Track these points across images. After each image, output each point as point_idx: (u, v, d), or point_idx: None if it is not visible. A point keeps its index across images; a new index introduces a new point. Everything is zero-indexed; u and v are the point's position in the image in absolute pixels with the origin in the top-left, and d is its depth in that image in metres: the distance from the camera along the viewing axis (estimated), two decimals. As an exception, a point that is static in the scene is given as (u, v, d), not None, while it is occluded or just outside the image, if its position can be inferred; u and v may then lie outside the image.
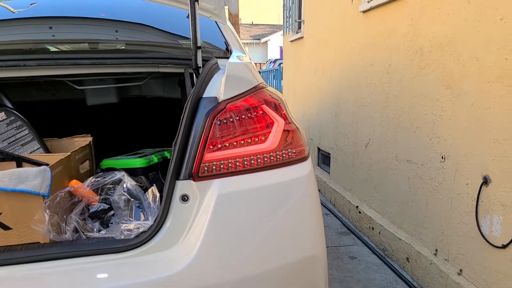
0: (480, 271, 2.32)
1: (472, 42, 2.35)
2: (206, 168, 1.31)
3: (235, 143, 1.35)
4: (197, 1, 1.55)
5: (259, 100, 1.40)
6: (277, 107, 1.43)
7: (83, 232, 1.38)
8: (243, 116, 1.36)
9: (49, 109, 2.35)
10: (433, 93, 2.73)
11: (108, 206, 1.48)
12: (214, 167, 1.32)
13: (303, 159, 1.46)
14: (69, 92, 2.16)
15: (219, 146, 1.34)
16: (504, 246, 2.14)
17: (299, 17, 5.97)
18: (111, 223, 1.43)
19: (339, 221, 4.09)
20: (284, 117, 1.44)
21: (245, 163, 1.35)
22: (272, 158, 1.39)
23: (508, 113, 2.11)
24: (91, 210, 1.48)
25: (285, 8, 6.57)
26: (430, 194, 2.79)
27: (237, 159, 1.35)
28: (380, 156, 3.49)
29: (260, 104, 1.39)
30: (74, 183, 1.48)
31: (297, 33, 6.06)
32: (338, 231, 3.86)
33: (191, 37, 1.50)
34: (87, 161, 1.75)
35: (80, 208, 1.43)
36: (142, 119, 2.54)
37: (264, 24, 40.23)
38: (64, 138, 1.83)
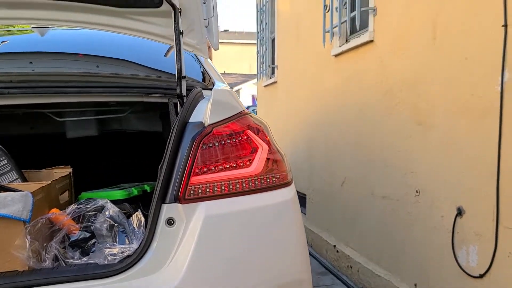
0: (459, 302, 2.34)
1: (439, 80, 2.49)
2: (192, 191, 1.32)
3: (220, 167, 1.37)
4: (182, 33, 1.62)
5: (243, 125, 1.43)
6: (261, 133, 1.47)
7: (63, 260, 1.34)
8: (229, 141, 1.39)
9: (27, 143, 2.31)
10: (404, 130, 2.84)
11: (89, 234, 1.45)
12: (200, 190, 1.33)
13: (287, 184, 1.49)
14: (48, 125, 2.15)
15: (205, 169, 1.35)
16: (481, 276, 2.18)
17: (273, 63, 6.17)
18: (93, 251, 1.40)
19: (316, 262, 4.06)
20: (268, 143, 1.48)
21: (231, 186, 1.37)
22: (256, 182, 1.41)
23: (476, 144, 2.21)
24: (72, 239, 1.44)
25: (258, 54, 6.79)
26: (406, 229, 2.84)
27: (223, 183, 1.36)
28: (356, 193, 3.54)
29: (245, 129, 1.43)
30: (55, 211, 1.45)
31: (270, 78, 6.23)
32: (317, 271, 3.82)
33: (176, 67, 1.55)
34: (67, 192, 1.72)
35: (60, 236, 1.39)
36: (121, 153, 2.53)
37: (236, 73, 41.12)
38: (43, 170, 1.80)
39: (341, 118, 3.81)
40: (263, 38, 6.56)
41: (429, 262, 2.59)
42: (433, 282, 2.56)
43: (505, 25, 2.01)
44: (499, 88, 2.06)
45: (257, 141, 1.44)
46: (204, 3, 1.88)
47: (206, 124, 1.38)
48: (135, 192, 1.95)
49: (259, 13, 6.69)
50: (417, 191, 2.72)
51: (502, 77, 2.04)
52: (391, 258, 3.02)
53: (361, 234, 3.47)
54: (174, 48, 1.60)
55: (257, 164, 1.42)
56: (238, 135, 1.42)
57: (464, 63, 2.30)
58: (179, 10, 1.69)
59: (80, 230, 1.45)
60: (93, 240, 1.44)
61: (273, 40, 6.22)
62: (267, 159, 1.45)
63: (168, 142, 1.35)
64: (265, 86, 6.56)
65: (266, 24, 6.35)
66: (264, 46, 6.50)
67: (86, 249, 1.44)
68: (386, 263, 3.08)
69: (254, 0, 7.11)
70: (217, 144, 1.38)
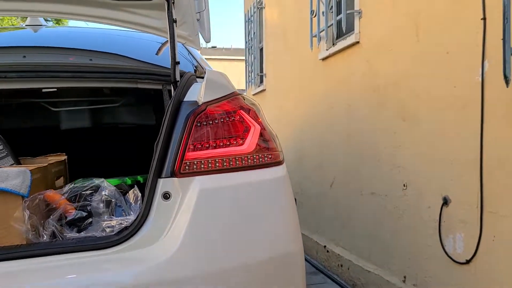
0: (447, 290, 2.39)
1: (423, 75, 2.58)
2: (187, 166, 1.36)
3: (214, 144, 1.42)
4: (175, 21, 1.68)
5: (236, 105, 1.49)
6: (253, 114, 1.52)
7: (60, 236, 1.36)
8: (222, 119, 1.44)
9: (21, 136, 2.33)
10: (391, 126, 2.92)
11: (86, 214, 1.48)
12: (195, 166, 1.37)
13: (279, 163, 1.54)
14: (43, 117, 2.18)
15: (199, 146, 1.40)
16: (468, 261, 2.23)
17: (261, 71, 6.26)
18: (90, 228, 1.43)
19: (308, 263, 4.09)
20: (260, 124, 1.53)
21: (224, 163, 1.42)
22: (249, 160, 1.46)
23: (460, 135, 2.29)
24: (69, 218, 1.47)
25: (247, 63, 6.88)
26: (395, 223, 2.89)
27: (217, 159, 1.41)
28: (345, 193, 3.59)
29: (237, 109, 1.48)
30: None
31: (259, 86, 6.32)
32: (308, 271, 3.84)
33: (170, 53, 1.60)
34: (62, 178, 1.75)
35: (57, 214, 1.42)
36: (116, 147, 2.55)
37: (224, 89, 41.18)
38: (37, 157, 1.83)
39: (330, 120, 3.88)
40: (251, 47, 6.67)
41: (418, 254, 2.65)
42: (422, 272, 2.61)
43: (484, 18, 2.11)
44: (480, 79, 2.15)
45: (249, 120, 1.49)
46: (196, -2, 1.95)
47: (200, 103, 1.43)
48: (128, 181, 1.99)
49: (247, 23, 6.80)
50: (404, 185, 2.79)
51: (482, 67, 2.13)
52: (380, 253, 3.07)
53: (351, 233, 3.51)
54: (168, 35, 1.66)
55: (250, 142, 1.47)
56: (231, 115, 1.47)
57: (446, 57, 2.40)
58: (172, 1, 1.75)
59: (76, 210, 1.48)
60: (90, 219, 1.47)
61: (261, 49, 6.32)
62: (259, 138, 1.50)
63: (163, 120, 1.40)
64: (254, 94, 6.64)
65: (254, 33, 6.46)
66: (252, 55, 6.60)
67: (83, 228, 1.46)
68: (376, 258, 3.13)
69: (242, 13, 7.23)
70: (211, 122, 1.42)
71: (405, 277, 2.78)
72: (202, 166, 1.38)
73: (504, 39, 1.88)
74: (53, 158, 1.81)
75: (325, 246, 3.94)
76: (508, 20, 1.87)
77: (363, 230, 3.31)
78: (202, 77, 1.82)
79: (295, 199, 4.91)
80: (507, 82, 1.89)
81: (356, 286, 3.33)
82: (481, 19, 2.12)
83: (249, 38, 6.76)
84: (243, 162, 1.44)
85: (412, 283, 2.70)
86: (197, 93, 1.47)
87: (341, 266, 3.59)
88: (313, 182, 4.30)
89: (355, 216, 3.43)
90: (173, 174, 1.35)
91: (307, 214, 4.50)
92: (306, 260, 4.10)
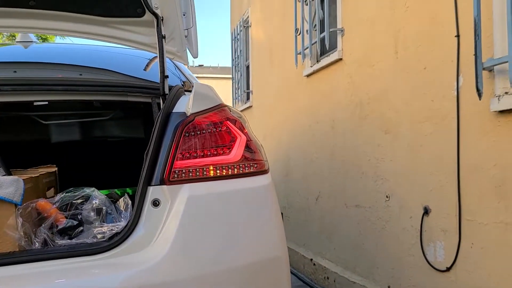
0: (430, 298, 2.45)
1: (403, 90, 2.69)
2: (176, 174, 1.42)
3: (202, 154, 1.48)
4: (164, 37, 1.75)
5: (223, 116, 1.55)
6: (239, 124, 1.59)
7: (52, 244, 1.40)
8: (209, 129, 1.51)
9: (12, 149, 2.36)
10: (374, 139, 3.01)
11: (76, 222, 1.52)
12: (183, 174, 1.43)
13: (264, 172, 1.60)
14: (32, 133, 2.22)
15: (188, 155, 1.46)
16: (448, 269, 2.30)
17: (248, 88, 6.37)
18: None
19: (294, 277, 4.12)
20: (246, 134, 1.60)
21: (212, 171, 1.48)
22: (236, 168, 1.52)
23: (438, 147, 2.38)
24: (60, 227, 1.51)
25: (233, 81, 6.99)
26: (378, 234, 2.96)
27: (205, 168, 1.47)
28: (331, 206, 3.66)
29: (224, 120, 1.55)
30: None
31: (245, 103, 6.41)
32: (294, 285, 3.88)
33: (159, 67, 1.67)
34: (53, 189, 1.79)
35: (49, 222, 1.46)
36: (105, 159, 2.59)
37: (211, 107, 41.24)
38: (29, 169, 1.86)
39: (315, 135, 3.97)
40: (238, 65, 6.78)
41: (400, 263, 2.71)
42: (405, 281, 2.67)
43: (458, 35, 2.23)
44: (455, 93, 2.25)
45: (236, 131, 1.56)
46: (184, 15, 2.03)
47: (188, 114, 1.50)
48: (118, 192, 2.03)
49: (233, 41, 6.93)
50: (387, 196, 2.87)
51: (457, 82, 2.24)
52: (365, 264, 3.12)
53: (337, 245, 3.57)
54: (157, 51, 1.73)
55: (236, 152, 1.54)
56: (218, 125, 1.53)
57: (423, 73, 2.51)
58: (161, 18, 1.83)
59: (67, 218, 1.52)
60: (81, 228, 1.51)
61: (247, 67, 6.44)
62: (245, 148, 1.57)
63: (153, 130, 1.46)
64: (241, 111, 6.72)
65: (240, 51, 6.59)
66: (239, 73, 6.71)
67: (74, 236, 1.50)
68: (361, 269, 3.18)
69: (228, 31, 7.36)
70: (198, 132, 1.49)
71: (389, 286, 2.83)
72: (190, 174, 1.44)
73: (476, 54, 1.99)
74: (44, 170, 1.85)
75: (311, 259, 3.98)
76: (479, 36, 1.98)
77: (349, 242, 3.37)
78: (190, 91, 1.90)
79: (281, 213, 4.96)
80: (479, 95, 1.99)
81: (342, 297, 3.37)
82: (455, 36, 2.24)
83: (236, 56, 6.88)
84: (230, 170, 1.50)
85: (396, 292, 2.76)
86: (185, 105, 1.54)
87: (327, 278, 3.64)
88: (299, 196, 4.36)
89: (341, 229, 3.49)
90: (162, 182, 1.40)
91: (294, 228, 4.55)
92: (292, 273, 4.14)
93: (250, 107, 6.20)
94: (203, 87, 1.57)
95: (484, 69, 1.99)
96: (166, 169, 1.41)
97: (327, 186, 3.73)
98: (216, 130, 1.53)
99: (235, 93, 6.93)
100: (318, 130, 3.88)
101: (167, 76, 1.69)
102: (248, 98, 6.37)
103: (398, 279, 2.74)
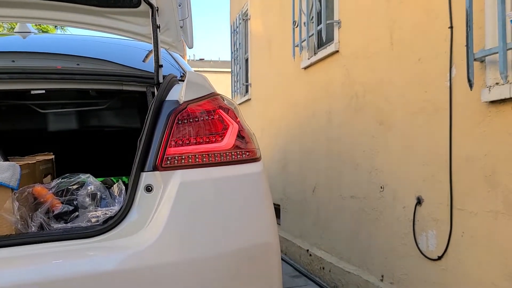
0: (421, 286, 2.49)
1: (397, 82, 2.71)
2: (168, 161, 1.45)
3: (194, 141, 1.51)
4: (159, 27, 1.78)
5: (215, 104, 1.58)
6: (231, 113, 1.62)
7: (48, 228, 1.44)
8: (202, 117, 1.54)
9: (9, 139, 2.40)
10: (369, 131, 3.04)
11: (72, 208, 1.55)
12: (176, 160, 1.46)
13: (256, 159, 1.63)
14: (30, 122, 2.25)
15: (180, 142, 1.49)
16: (439, 258, 2.34)
17: (247, 81, 6.38)
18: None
19: (291, 267, 4.17)
20: (238, 123, 1.63)
21: (204, 158, 1.51)
22: (228, 156, 1.55)
23: (431, 137, 2.41)
24: (55, 212, 1.54)
25: (232, 73, 7.00)
26: (373, 224, 3.00)
27: (197, 155, 1.50)
28: (327, 197, 3.70)
29: (217, 108, 1.58)
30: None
31: (244, 95, 6.43)
32: (291, 275, 3.93)
33: (153, 56, 1.70)
34: (49, 176, 1.82)
35: (45, 207, 1.49)
36: (101, 148, 2.63)
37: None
38: (26, 156, 1.89)
39: (312, 127, 4.00)
40: (237, 58, 6.79)
41: (394, 253, 2.75)
42: (398, 270, 2.71)
43: (451, 27, 2.25)
44: (448, 83, 2.28)
45: (228, 119, 1.59)
46: (179, 6, 2.05)
47: (181, 102, 1.53)
48: (114, 180, 2.06)
49: (233, 34, 6.94)
50: (381, 187, 2.90)
51: (450, 73, 2.26)
52: (360, 254, 3.16)
53: (332, 236, 3.61)
54: (152, 40, 1.75)
55: (228, 140, 1.57)
56: (211, 113, 1.56)
57: (418, 64, 2.53)
58: (156, 8, 1.85)
59: (63, 204, 1.56)
60: (76, 213, 1.55)
61: (246, 60, 6.45)
62: (237, 136, 1.59)
63: (146, 117, 1.49)
64: (239, 104, 6.74)
65: (240, 44, 6.60)
66: (238, 66, 6.73)
67: (69, 221, 1.54)
68: (356, 259, 3.22)
69: (228, 25, 7.37)
70: (191, 120, 1.52)
71: (382, 276, 2.87)
72: (183, 161, 1.47)
73: (467, 45, 2.02)
74: (41, 157, 1.88)
75: (307, 250, 4.02)
76: (471, 28, 2.00)
77: (344, 232, 3.41)
78: (184, 80, 1.92)
79: (279, 205, 4.98)
80: (471, 86, 2.02)
81: (337, 287, 3.42)
82: (449, 27, 2.26)
83: (235, 48, 6.89)
84: (222, 158, 1.53)
85: (389, 281, 2.80)
86: (178, 93, 1.56)
87: (323, 268, 3.68)
88: (296, 188, 4.40)
89: (336, 220, 3.53)
90: (155, 168, 1.44)
91: (291, 219, 4.59)
92: (289, 263, 4.19)
93: (249, 99, 6.22)
94: (196, 76, 1.60)
95: (475, 60, 2.01)
96: (159, 155, 1.44)
97: (323, 177, 3.76)
98: (209, 118, 1.56)
99: (234, 86, 6.95)
100: (315, 122, 3.91)
101: (161, 66, 1.72)
102: (247, 91, 6.39)
103: (391, 268, 2.78)
